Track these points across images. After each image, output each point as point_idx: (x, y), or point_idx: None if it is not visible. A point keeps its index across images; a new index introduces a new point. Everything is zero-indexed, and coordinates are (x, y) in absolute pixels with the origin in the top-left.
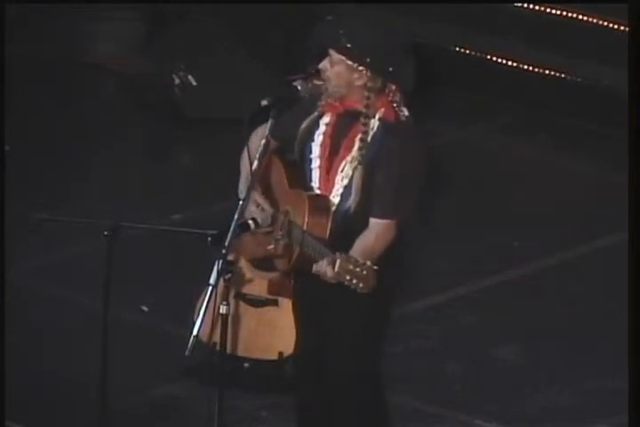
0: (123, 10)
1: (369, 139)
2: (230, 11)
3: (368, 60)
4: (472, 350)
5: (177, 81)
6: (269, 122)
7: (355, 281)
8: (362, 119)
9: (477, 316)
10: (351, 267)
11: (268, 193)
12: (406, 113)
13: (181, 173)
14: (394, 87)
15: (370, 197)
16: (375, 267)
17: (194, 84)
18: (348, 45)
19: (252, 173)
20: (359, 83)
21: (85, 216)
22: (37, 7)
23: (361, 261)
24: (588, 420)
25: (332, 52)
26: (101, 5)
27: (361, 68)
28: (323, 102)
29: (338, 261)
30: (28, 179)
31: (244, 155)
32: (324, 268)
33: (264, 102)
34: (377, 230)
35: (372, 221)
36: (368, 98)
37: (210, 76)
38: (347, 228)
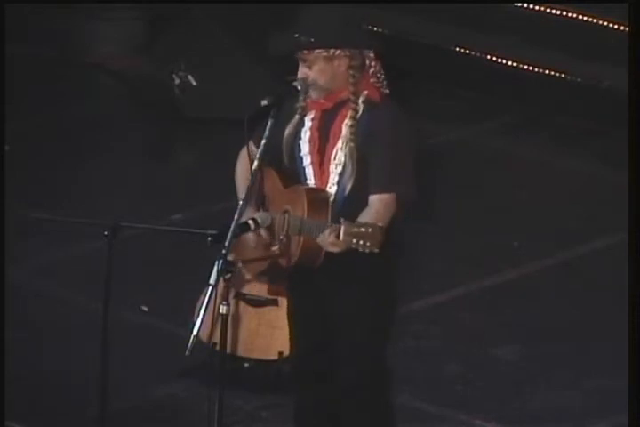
0: (123, 10)
1: (358, 117)
2: (230, 11)
3: (337, 38)
4: (472, 350)
5: (177, 81)
6: (269, 122)
7: (361, 242)
8: (351, 97)
9: (477, 316)
10: (355, 229)
11: (265, 202)
12: (387, 91)
13: (181, 173)
14: (372, 55)
15: (365, 180)
16: (380, 224)
17: (194, 84)
18: (312, 39)
19: (253, 173)
20: (343, 68)
21: (85, 216)
22: (37, 7)
23: (363, 222)
24: (588, 420)
25: (304, 56)
26: (101, 5)
27: (337, 51)
28: (302, 104)
29: (342, 228)
30: (28, 179)
31: (241, 157)
32: (328, 237)
33: (264, 102)
34: (377, 206)
35: (372, 197)
36: (353, 76)
37: (210, 76)
38: (347, 215)
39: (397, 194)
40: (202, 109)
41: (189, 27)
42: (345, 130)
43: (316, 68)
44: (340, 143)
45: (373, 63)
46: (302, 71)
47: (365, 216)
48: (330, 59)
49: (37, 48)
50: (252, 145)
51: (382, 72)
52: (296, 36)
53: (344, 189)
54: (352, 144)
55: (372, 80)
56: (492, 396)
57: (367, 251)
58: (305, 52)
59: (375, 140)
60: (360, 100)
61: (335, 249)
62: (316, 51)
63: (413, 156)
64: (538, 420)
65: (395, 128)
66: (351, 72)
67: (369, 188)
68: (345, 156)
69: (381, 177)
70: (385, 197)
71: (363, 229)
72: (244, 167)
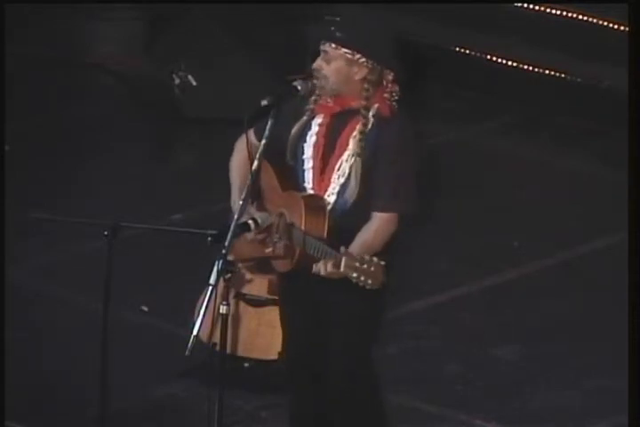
0: (123, 10)
1: (367, 131)
2: (230, 11)
3: (369, 47)
4: (472, 350)
5: (177, 81)
6: (269, 122)
7: (362, 278)
8: (362, 111)
9: (477, 316)
10: (357, 264)
11: (260, 197)
12: (396, 106)
13: (181, 173)
14: (390, 77)
15: (367, 194)
16: (382, 262)
17: (194, 84)
18: (345, 37)
19: (253, 173)
20: (359, 77)
21: (85, 216)
22: (37, 7)
23: (367, 257)
24: (588, 420)
25: (328, 48)
26: (101, 5)
27: (362, 60)
28: (312, 106)
29: (343, 260)
30: (27, 179)
31: (239, 149)
32: (328, 267)
33: (264, 102)
34: (378, 224)
35: (374, 214)
36: (367, 90)
37: (210, 76)
38: (344, 225)
39: (399, 213)
40: (202, 109)
41: (189, 27)
42: (352, 143)
43: (334, 64)
44: (345, 155)
45: (390, 84)
46: (318, 63)
47: (365, 233)
48: (351, 62)
49: (37, 48)
50: (251, 136)
51: (395, 96)
52: (333, 28)
53: (345, 201)
54: (359, 158)
55: (385, 95)
56: (492, 396)
57: (367, 287)
58: (333, 46)
59: (381, 156)
60: (370, 114)
61: (332, 277)
62: (343, 49)
63: (416, 171)
64: (538, 420)
65: (401, 145)
66: (365, 85)
67: (371, 202)
68: (350, 168)
69: (384, 195)
70: (386, 216)
71: (365, 266)
72: (242, 162)
